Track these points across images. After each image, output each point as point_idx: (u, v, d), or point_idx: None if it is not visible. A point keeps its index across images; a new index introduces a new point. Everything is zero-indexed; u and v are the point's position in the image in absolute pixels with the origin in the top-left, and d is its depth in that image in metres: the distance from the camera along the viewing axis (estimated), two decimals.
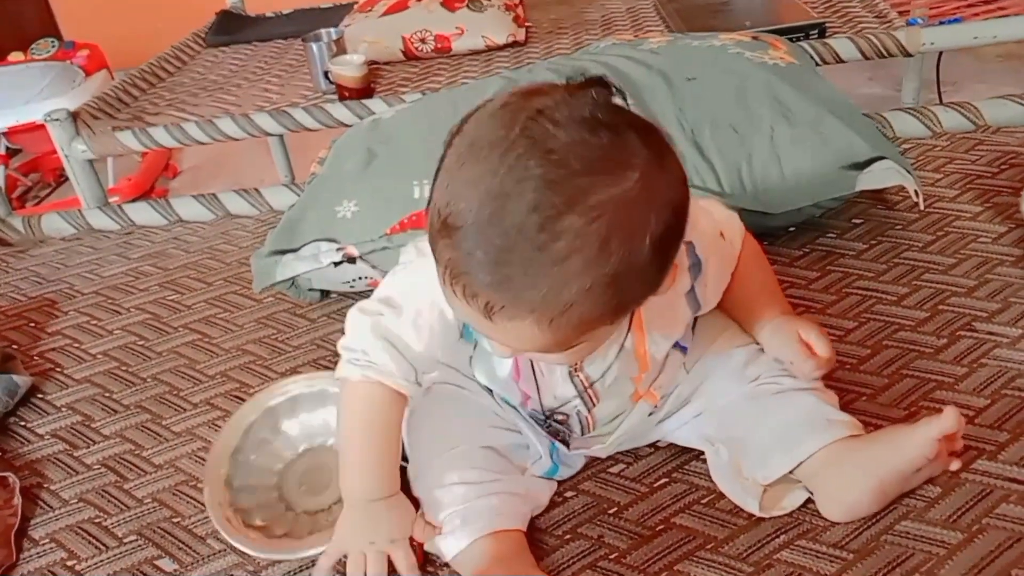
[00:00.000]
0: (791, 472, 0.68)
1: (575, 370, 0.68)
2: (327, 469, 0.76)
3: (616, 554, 0.67)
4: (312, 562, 0.68)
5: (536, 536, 0.69)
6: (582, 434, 0.73)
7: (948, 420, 0.63)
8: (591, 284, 0.49)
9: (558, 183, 0.48)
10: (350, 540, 0.66)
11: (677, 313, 0.67)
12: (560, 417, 0.71)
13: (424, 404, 0.73)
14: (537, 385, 0.68)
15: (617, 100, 0.52)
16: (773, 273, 0.76)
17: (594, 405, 0.70)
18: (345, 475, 0.69)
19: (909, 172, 0.97)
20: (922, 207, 1.00)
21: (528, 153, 0.49)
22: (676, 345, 0.72)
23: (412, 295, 0.65)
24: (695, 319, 0.73)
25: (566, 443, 0.73)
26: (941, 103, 1.35)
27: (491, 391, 0.73)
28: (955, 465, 0.67)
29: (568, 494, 0.73)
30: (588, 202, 0.48)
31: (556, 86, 0.52)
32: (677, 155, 0.54)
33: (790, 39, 1.33)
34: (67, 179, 2.68)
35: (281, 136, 2.03)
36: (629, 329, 0.65)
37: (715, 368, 0.73)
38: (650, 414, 0.73)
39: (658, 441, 0.77)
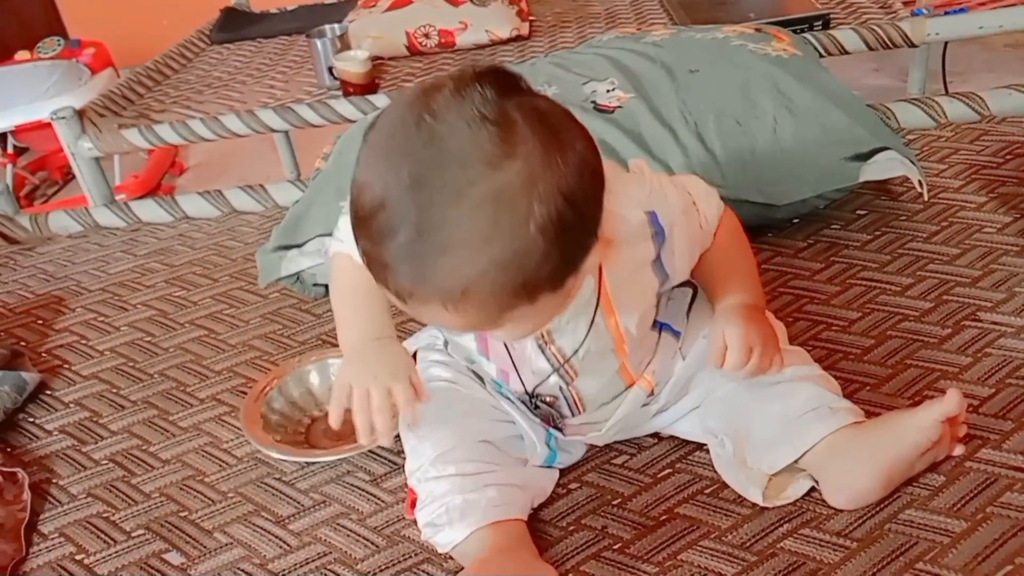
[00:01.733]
0: (796, 461, 0.68)
1: (545, 343, 0.67)
2: (349, 423, 0.77)
3: (620, 544, 0.67)
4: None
5: (539, 527, 0.70)
6: (574, 416, 0.73)
7: (951, 402, 0.63)
8: (481, 271, 0.52)
9: (439, 179, 0.51)
10: (353, 378, 0.67)
11: (643, 283, 0.67)
12: (548, 398, 0.71)
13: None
14: (512, 361, 0.69)
15: (524, 84, 0.54)
16: (752, 258, 0.75)
17: (573, 379, 0.70)
18: (341, 333, 0.73)
19: (913, 162, 0.97)
20: (926, 197, 1.00)
21: (414, 151, 0.52)
22: (668, 329, 0.73)
23: None
24: (690, 304, 0.74)
25: (560, 429, 0.73)
26: (947, 93, 1.35)
27: (483, 381, 0.73)
28: (959, 450, 0.67)
29: (572, 485, 0.74)
30: (470, 193, 0.51)
31: (446, 82, 0.53)
32: (583, 140, 0.55)
33: (794, 31, 1.33)
34: (74, 177, 2.70)
35: (286, 133, 2.03)
36: (598, 306, 0.66)
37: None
38: (645, 404, 0.73)
39: (659, 432, 0.77)
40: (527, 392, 0.71)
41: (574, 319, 0.66)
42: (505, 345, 0.68)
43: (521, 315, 0.56)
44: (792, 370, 0.71)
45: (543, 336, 0.67)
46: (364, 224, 0.54)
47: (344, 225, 0.71)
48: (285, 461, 0.80)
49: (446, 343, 0.77)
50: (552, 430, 0.73)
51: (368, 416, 0.65)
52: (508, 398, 0.73)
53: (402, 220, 0.52)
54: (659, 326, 0.73)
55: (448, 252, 0.52)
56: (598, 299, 0.65)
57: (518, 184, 0.51)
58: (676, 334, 0.74)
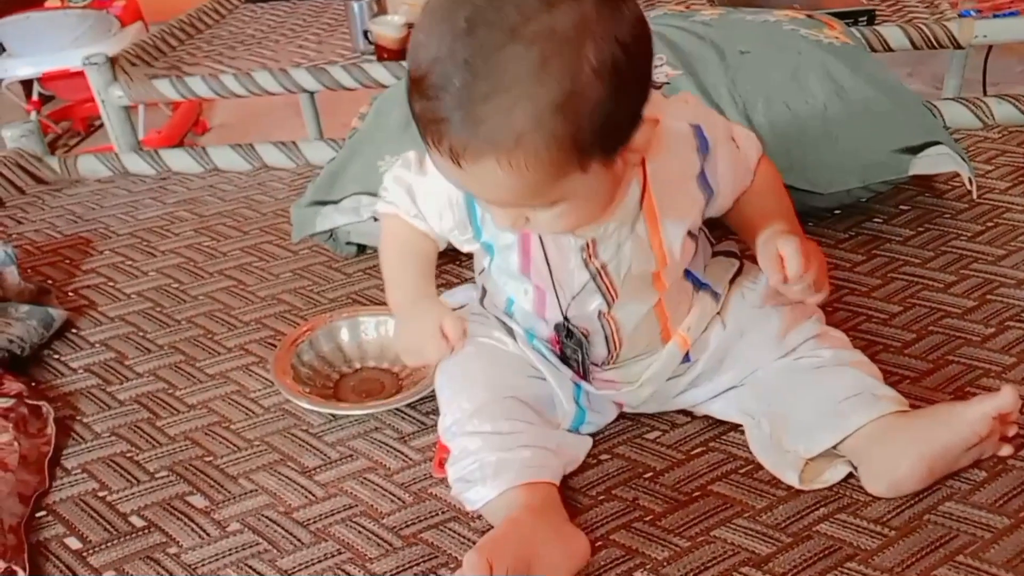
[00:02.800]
0: (835, 447, 0.67)
1: (589, 256, 0.66)
2: (378, 382, 0.84)
3: (651, 516, 0.67)
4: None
5: (570, 495, 0.69)
6: (609, 356, 0.72)
7: (1006, 398, 0.62)
8: (535, 116, 0.51)
9: (494, 19, 0.51)
10: (405, 339, 0.74)
11: (689, 196, 0.67)
12: (583, 330, 0.70)
13: (457, 357, 0.74)
14: (552, 278, 0.67)
15: None
16: (790, 201, 0.74)
17: (613, 300, 0.68)
18: (390, 293, 0.76)
19: (964, 159, 0.95)
20: (975, 196, 0.99)
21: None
22: (708, 289, 0.73)
23: (428, 195, 0.71)
24: (735, 275, 0.74)
25: (587, 375, 0.72)
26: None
27: (514, 337, 0.73)
28: (1006, 450, 0.66)
29: (603, 456, 0.73)
30: (524, 32, 0.51)
31: None
32: (635, 2, 0.55)
33: None
34: (98, 128, 2.69)
35: (312, 96, 2.02)
36: (641, 212, 0.65)
37: (751, 326, 0.72)
38: (678, 374, 0.72)
39: (693, 412, 0.76)
40: (563, 316, 0.69)
41: (618, 229, 0.65)
42: (546, 259, 0.67)
43: (573, 189, 0.56)
44: (833, 353, 0.70)
45: (587, 247, 0.66)
46: (419, 83, 0.53)
47: (392, 186, 0.73)
48: (314, 412, 0.80)
49: (482, 299, 0.77)
50: (582, 383, 0.72)
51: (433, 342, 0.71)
52: (540, 352, 0.72)
53: (457, 66, 0.51)
54: (698, 283, 0.73)
55: (502, 93, 0.51)
56: (641, 205, 0.65)
57: (572, 24, 0.51)
58: (716, 296, 0.73)
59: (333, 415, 0.79)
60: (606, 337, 0.71)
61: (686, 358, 0.73)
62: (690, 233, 0.69)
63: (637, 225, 0.66)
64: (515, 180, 0.54)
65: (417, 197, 0.72)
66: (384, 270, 0.77)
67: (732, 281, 0.75)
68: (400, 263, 0.75)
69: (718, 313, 0.73)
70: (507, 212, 0.60)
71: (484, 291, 0.77)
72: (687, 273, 0.72)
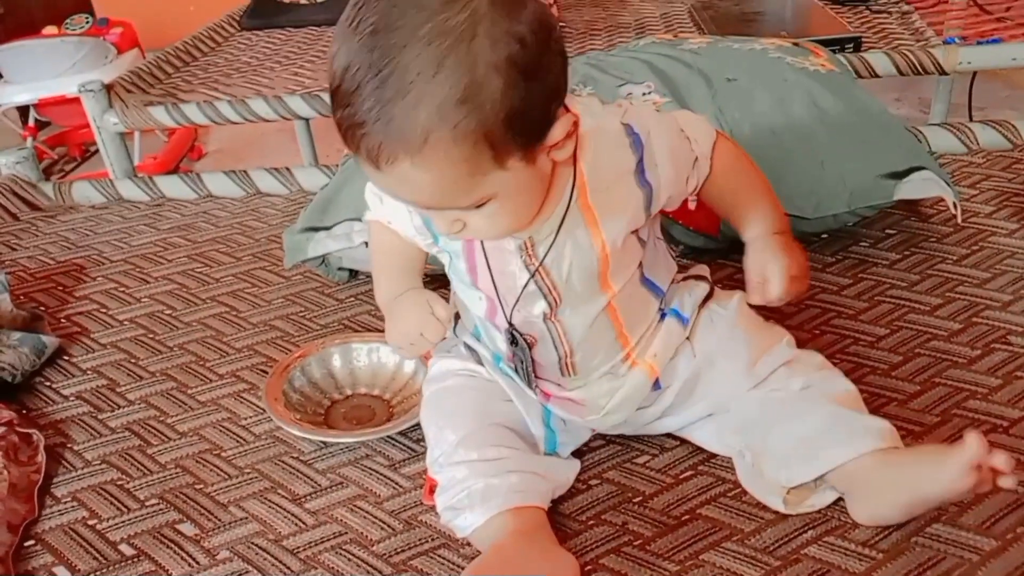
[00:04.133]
0: (815, 481, 0.67)
1: (528, 256, 0.66)
2: (369, 409, 0.85)
3: (640, 541, 0.67)
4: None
5: (559, 520, 0.69)
6: (560, 360, 0.71)
7: (971, 448, 0.58)
8: (437, 109, 0.53)
9: (397, 23, 0.53)
10: (394, 331, 0.74)
11: (625, 191, 0.66)
12: (529, 337, 0.70)
13: (437, 389, 0.75)
14: (493, 282, 0.68)
15: None
16: (764, 178, 0.74)
17: (557, 304, 0.68)
18: (377, 291, 0.77)
19: (948, 184, 0.96)
20: (960, 220, 1.00)
21: (376, 9, 0.54)
22: (676, 315, 0.71)
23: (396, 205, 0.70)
24: (705, 299, 0.73)
25: (532, 385, 0.71)
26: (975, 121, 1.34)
27: (482, 360, 0.74)
28: (1008, 482, 0.59)
29: (592, 482, 0.73)
30: (421, 32, 0.53)
31: None
32: (539, 5, 0.57)
33: None
34: (93, 154, 2.71)
35: (307, 122, 2.04)
36: (578, 211, 0.65)
37: (721, 355, 0.72)
38: (648, 404, 0.72)
39: (677, 433, 0.76)
40: (508, 322, 0.69)
41: (556, 230, 0.65)
42: (488, 265, 0.67)
43: (497, 188, 0.57)
44: (803, 382, 0.69)
45: (525, 248, 0.65)
46: (335, 92, 0.55)
47: (369, 196, 0.76)
48: (305, 439, 0.80)
49: (455, 326, 0.77)
50: (550, 407, 0.72)
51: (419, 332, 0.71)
52: (507, 374, 0.73)
53: (365, 72, 0.54)
54: (659, 294, 0.72)
55: (406, 93, 0.53)
56: (578, 203, 0.64)
57: (465, 21, 0.53)
58: (683, 321, 0.72)
59: (324, 442, 0.80)
60: (553, 342, 0.70)
61: (656, 385, 0.72)
62: (637, 234, 0.69)
63: (575, 223, 0.65)
64: (432, 179, 0.56)
65: (386, 202, 0.72)
66: (372, 271, 0.79)
67: (702, 305, 0.74)
68: (385, 261, 0.77)
69: (687, 339, 0.72)
70: (442, 216, 0.61)
71: (456, 318, 0.77)
72: (645, 280, 0.71)
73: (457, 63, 0.53)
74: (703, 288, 0.75)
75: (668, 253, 0.76)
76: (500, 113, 0.54)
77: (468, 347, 0.75)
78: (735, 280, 0.95)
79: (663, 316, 0.72)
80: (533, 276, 0.66)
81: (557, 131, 0.59)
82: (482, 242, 0.66)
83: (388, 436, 0.79)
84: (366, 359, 0.88)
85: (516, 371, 0.72)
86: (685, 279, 0.76)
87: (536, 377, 0.72)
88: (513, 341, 0.70)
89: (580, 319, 0.69)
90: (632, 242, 0.68)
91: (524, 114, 0.55)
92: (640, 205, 0.67)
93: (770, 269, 0.68)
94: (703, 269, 0.77)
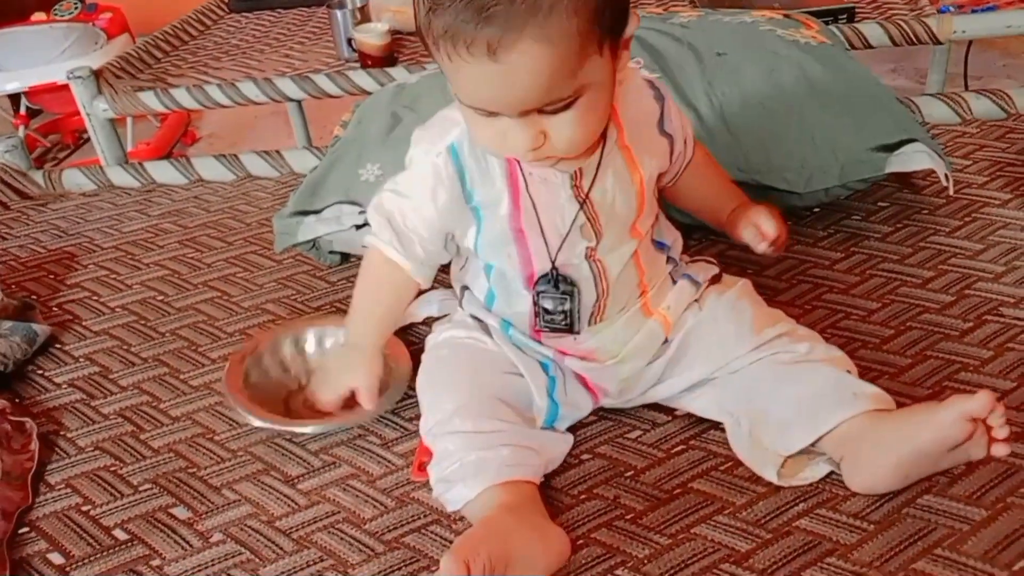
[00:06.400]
0: (812, 445, 0.67)
1: (576, 187, 0.69)
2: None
3: (632, 515, 0.67)
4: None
5: (551, 495, 0.69)
6: (597, 300, 0.73)
7: (978, 401, 0.60)
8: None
9: None
10: (332, 374, 0.79)
11: (654, 137, 0.74)
12: (569, 278, 0.72)
13: (437, 356, 0.76)
14: (539, 219, 0.69)
15: None
16: (726, 174, 0.85)
17: (599, 237, 0.71)
18: (351, 319, 0.78)
19: (940, 156, 0.96)
20: (951, 192, 0.99)
21: None
22: (688, 279, 0.76)
23: (415, 181, 0.72)
24: (713, 279, 0.77)
25: (575, 327, 0.73)
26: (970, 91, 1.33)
27: (490, 330, 0.75)
28: (1001, 450, 0.61)
29: (584, 456, 0.73)
30: None
31: None
32: None
33: None
34: (86, 141, 2.69)
35: (300, 104, 2.03)
36: (618, 149, 0.70)
37: (725, 316, 0.75)
38: (657, 357, 0.74)
39: (675, 411, 0.76)
40: (552, 263, 0.71)
41: (602, 164, 0.69)
42: (534, 206, 0.69)
43: (590, 77, 0.60)
44: (808, 347, 0.71)
45: (575, 178, 0.69)
46: (442, 3, 0.58)
47: (372, 216, 0.74)
48: (269, 430, 0.79)
49: (460, 300, 0.78)
50: (555, 376, 0.73)
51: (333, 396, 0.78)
52: (516, 345, 0.74)
53: None
54: (667, 254, 0.78)
55: None
56: (617, 142, 0.70)
57: None
58: (695, 284, 0.77)
59: (293, 433, 0.79)
60: (595, 281, 0.73)
61: (665, 339, 0.75)
62: (657, 183, 0.76)
63: (615, 160, 0.70)
64: (550, 54, 0.58)
65: (401, 187, 0.73)
66: (354, 297, 0.78)
67: (711, 283, 0.78)
68: (369, 297, 0.77)
69: (696, 301, 0.76)
70: (526, 127, 0.62)
71: (463, 291, 0.78)
72: (655, 242, 0.76)
73: None
74: (713, 269, 0.79)
75: (669, 223, 0.81)
76: (582, 12, 0.58)
77: (475, 318, 0.76)
78: (728, 257, 0.95)
79: (675, 282, 0.77)
80: (582, 206, 0.69)
81: (631, 26, 0.63)
82: (527, 183, 0.69)
83: (381, 416, 0.79)
84: (315, 347, 0.87)
85: (550, 324, 0.73)
86: (695, 261, 0.81)
87: (554, 331, 0.74)
88: (556, 283, 0.72)
89: (616, 259, 0.73)
90: (654, 193, 0.75)
91: (599, 16, 0.59)
92: (665, 151, 0.75)
93: (755, 216, 0.76)
94: (712, 260, 0.82)
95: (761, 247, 0.76)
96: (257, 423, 0.78)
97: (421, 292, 0.78)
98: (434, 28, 0.58)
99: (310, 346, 0.88)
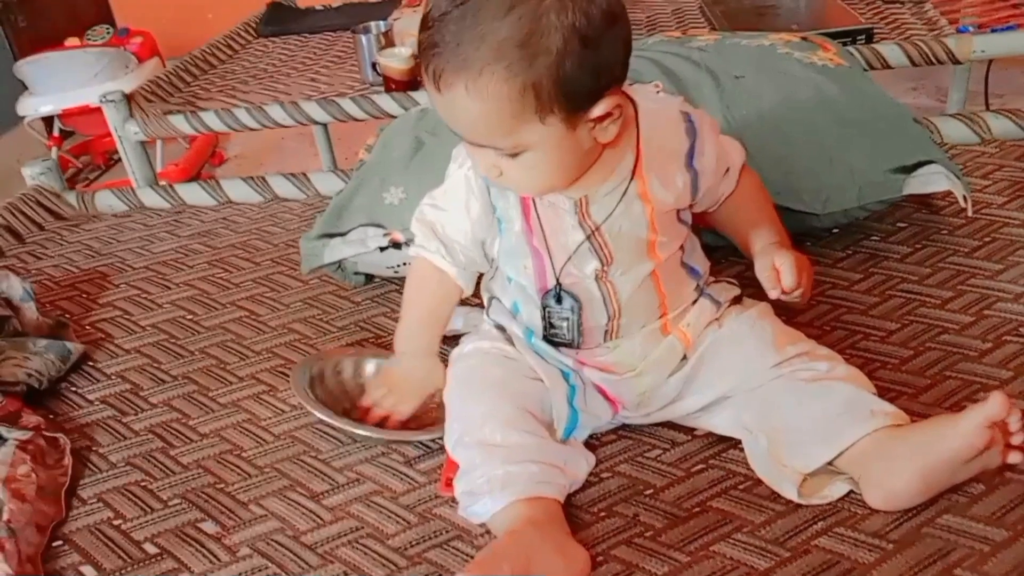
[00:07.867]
0: (831, 462, 0.68)
1: (582, 215, 0.71)
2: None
3: (651, 532, 0.68)
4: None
5: (571, 512, 0.70)
6: (608, 320, 0.74)
7: (994, 405, 0.61)
8: (500, 45, 0.60)
9: None
10: (384, 384, 0.82)
11: (677, 171, 0.73)
12: (573, 295, 0.73)
13: (466, 366, 0.78)
14: (545, 239, 0.72)
15: None
16: (773, 208, 0.82)
17: (609, 261, 0.72)
18: (399, 331, 0.82)
19: (958, 177, 0.96)
20: (970, 213, 0.99)
21: None
22: (710, 297, 0.77)
23: (450, 193, 0.77)
24: (734, 299, 0.78)
25: (577, 344, 0.75)
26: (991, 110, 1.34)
27: (513, 340, 0.77)
28: (1016, 458, 0.63)
29: (604, 475, 0.74)
30: None
31: None
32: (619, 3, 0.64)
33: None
34: (117, 162, 2.76)
35: (326, 127, 2.07)
36: (633, 178, 0.71)
37: (746, 335, 0.75)
38: (676, 371, 0.75)
39: (695, 430, 0.77)
40: (556, 280, 0.73)
41: (611, 192, 0.71)
42: (540, 222, 0.72)
43: (534, 140, 0.63)
44: (828, 365, 0.72)
45: (580, 206, 0.71)
46: (425, 18, 0.63)
47: (415, 227, 0.79)
48: (345, 431, 0.81)
49: (488, 310, 0.81)
50: (575, 385, 0.74)
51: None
52: (536, 351, 0.76)
53: (451, 4, 0.61)
54: (697, 277, 0.78)
55: (477, 26, 0.60)
56: (634, 172, 0.71)
57: None
58: (717, 304, 0.78)
59: (363, 437, 0.80)
60: (604, 301, 0.74)
61: (684, 355, 0.76)
62: (680, 215, 0.75)
63: (629, 189, 0.71)
64: (480, 110, 0.62)
65: (438, 200, 0.78)
66: (403, 305, 0.83)
67: (732, 304, 0.79)
68: (416, 302, 0.81)
69: (716, 319, 0.77)
70: (483, 156, 0.67)
71: (491, 300, 0.81)
72: (685, 265, 0.77)
73: (525, 12, 0.60)
74: (735, 291, 0.80)
75: (702, 250, 0.81)
76: (551, 68, 0.60)
77: (499, 327, 0.79)
78: (745, 278, 0.95)
79: (698, 297, 0.78)
80: (588, 235, 0.71)
81: (600, 107, 0.64)
82: (535, 203, 0.72)
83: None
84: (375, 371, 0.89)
85: (555, 337, 0.75)
86: (717, 281, 0.82)
87: (559, 344, 0.76)
88: (559, 299, 0.74)
89: (629, 281, 0.74)
90: (676, 220, 0.75)
91: (573, 79, 0.61)
92: (688, 186, 0.74)
93: (779, 260, 0.73)
94: (732, 280, 0.83)
95: (773, 293, 0.73)
96: (362, 433, 0.80)
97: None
98: (422, 31, 0.64)
99: (369, 372, 0.89)
